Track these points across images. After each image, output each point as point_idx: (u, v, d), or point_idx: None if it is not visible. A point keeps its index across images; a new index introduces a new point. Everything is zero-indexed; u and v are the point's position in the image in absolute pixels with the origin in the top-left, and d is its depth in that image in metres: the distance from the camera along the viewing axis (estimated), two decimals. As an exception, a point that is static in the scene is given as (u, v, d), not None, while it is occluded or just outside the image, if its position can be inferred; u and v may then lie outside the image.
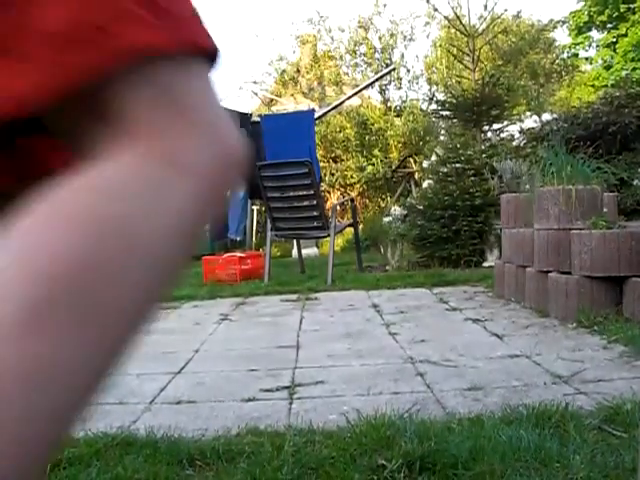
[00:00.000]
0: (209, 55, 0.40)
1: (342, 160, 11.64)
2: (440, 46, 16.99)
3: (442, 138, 9.52)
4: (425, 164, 9.34)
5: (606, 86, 17.07)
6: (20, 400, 0.29)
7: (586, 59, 22.51)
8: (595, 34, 21.69)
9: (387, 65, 15.03)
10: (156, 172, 0.35)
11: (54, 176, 0.34)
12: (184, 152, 0.36)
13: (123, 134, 0.36)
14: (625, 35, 19.55)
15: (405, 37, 15.78)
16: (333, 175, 11.36)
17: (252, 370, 2.47)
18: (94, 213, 0.33)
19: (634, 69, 18.73)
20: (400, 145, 11.78)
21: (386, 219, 6.79)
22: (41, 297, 0.30)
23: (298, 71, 15.05)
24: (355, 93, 8.95)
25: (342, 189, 11.24)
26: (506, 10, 17.27)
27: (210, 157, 0.37)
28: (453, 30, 12.99)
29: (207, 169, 0.37)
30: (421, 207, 6.29)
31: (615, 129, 6.93)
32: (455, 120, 6.68)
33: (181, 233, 0.36)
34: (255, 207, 8.28)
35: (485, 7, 14.54)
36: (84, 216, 0.33)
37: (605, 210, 3.34)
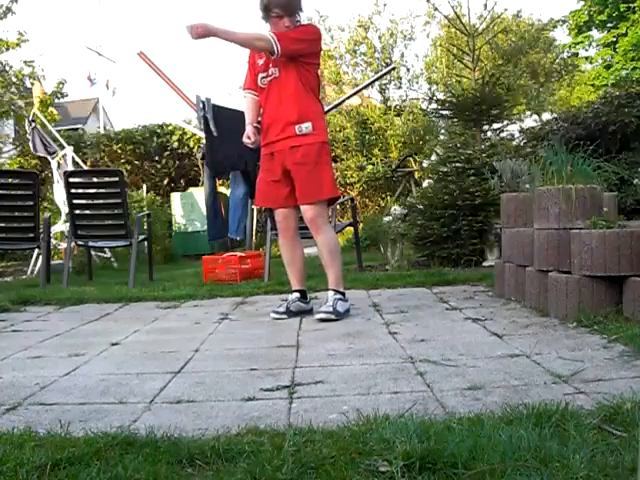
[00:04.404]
0: None
1: (342, 160, 11.63)
2: (440, 45, 16.97)
3: (442, 137, 9.52)
4: (425, 163, 9.34)
5: (606, 85, 17.09)
6: None
7: (586, 58, 22.50)
8: (595, 33, 21.70)
9: (387, 64, 15.02)
10: None
11: None
12: None
13: None
14: (625, 34, 19.55)
15: (405, 36, 15.76)
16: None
17: (252, 369, 2.48)
18: None
19: (634, 68, 18.74)
20: (400, 144, 11.77)
21: (386, 219, 6.77)
22: None
23: (298, 71, 15.02)
24: (355, 92, 8.94)
25: (342, 188, 11.23)
26: (506, 9, 17.27)
27: None
28: (453, 29, 12.98)
29: None
30: (421, 206, 6.28)
31: (615, 128, 6.94)
32: (455, 119, 6.68)
33: None
34: (255, 207, 8.26)
35: (485, 6, 14.56)
36: None
37: (605, 209, 3.34)
